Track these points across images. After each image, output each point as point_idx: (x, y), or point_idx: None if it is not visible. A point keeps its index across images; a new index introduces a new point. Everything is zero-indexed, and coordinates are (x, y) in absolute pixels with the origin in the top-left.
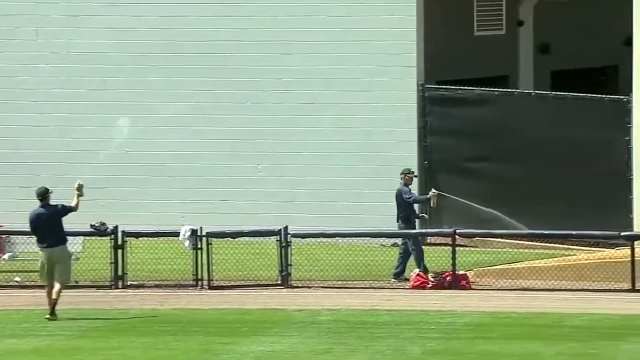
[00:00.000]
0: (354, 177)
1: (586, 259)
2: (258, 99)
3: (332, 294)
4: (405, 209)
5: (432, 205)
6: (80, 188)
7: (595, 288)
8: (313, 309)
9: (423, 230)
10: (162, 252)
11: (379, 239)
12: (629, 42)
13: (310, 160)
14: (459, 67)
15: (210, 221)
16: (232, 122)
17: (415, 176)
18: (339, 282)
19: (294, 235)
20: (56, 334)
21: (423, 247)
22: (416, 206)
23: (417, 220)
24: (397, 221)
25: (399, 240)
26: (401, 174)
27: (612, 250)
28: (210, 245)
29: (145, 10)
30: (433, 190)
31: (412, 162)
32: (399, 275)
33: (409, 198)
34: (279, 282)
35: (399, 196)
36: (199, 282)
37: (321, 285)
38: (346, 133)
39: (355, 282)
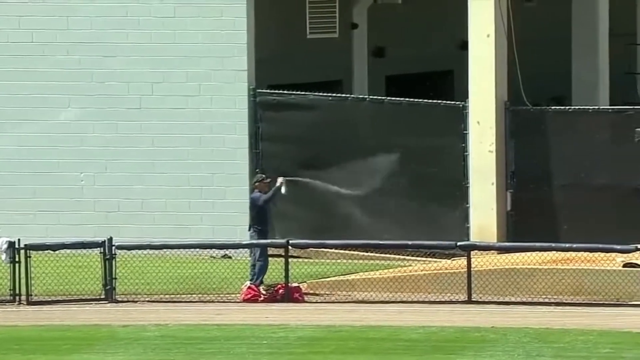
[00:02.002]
0: (183, 186)
1: (422, 270)
2: (80, 104)
3: (160, 308)
4: (255, 216)
5: (283, 192)
6: None
7: (432, 300)
8: (139, 324)
9: (254, 241)
10: None
11: (208, 250)
12: (464, 46)
13: (137, 168)
14: (292, 71)
15: (30, 233)
16: (52, 128)
17: (269, 180)
18: (167, 296)
19: (119, 247)
20: None
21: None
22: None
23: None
24: (249, 230)
25: (229, 252)
26: (255, 182)
27: (449, 261)
28: (29, 258)
29: None
30: (280, 178)
31: (243, 169)
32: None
33: (259, 202)
34: (103, 296)
35: (253, 204)
36: (17, 297)
37: (148, 299)
38: (174, 140)
39: (183, 295)
